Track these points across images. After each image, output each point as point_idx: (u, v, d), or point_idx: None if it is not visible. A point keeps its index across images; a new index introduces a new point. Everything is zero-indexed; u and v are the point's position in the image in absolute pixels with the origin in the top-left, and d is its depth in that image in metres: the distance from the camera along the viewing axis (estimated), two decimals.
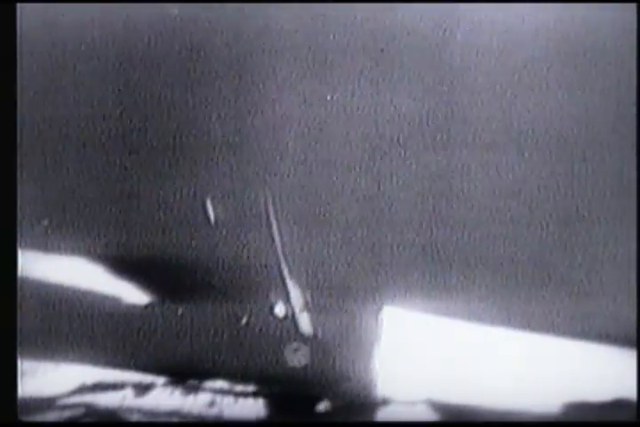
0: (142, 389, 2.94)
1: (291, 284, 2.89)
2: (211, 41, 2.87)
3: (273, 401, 2.90)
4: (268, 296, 2.91)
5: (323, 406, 2.87)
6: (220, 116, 2.88)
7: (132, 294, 2.97)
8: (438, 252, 2.86)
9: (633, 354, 2.76)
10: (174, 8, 2.86)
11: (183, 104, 2.89)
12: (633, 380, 2.73)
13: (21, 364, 2.90)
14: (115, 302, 2.96)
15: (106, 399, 2.93)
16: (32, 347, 2.92)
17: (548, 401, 2.80)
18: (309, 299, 2.89)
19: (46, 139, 2.91)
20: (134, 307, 2.96)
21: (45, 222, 2.93)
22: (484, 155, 2.83)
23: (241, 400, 2.91)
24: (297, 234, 2.88)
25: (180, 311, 2.94)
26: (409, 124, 2.84)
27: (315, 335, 2.89)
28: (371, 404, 2.87)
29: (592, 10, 2.75)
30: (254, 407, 2.90)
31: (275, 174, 2.88)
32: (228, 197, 2.90)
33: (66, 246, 2.94)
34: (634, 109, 2.75)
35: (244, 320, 2.91)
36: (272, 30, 2.85)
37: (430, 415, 2.82)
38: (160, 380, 2.96)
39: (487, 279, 2.85)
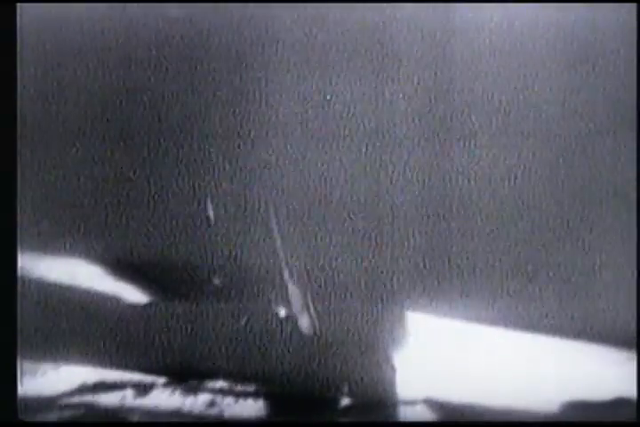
0: (142, 389, 2.95)
1: (291, 284, 2.89)
2: (211, 41, 2.87)
3: (273, 401, 2.90)
4: (268, 296, 2.91)
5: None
6: (221, 116, 2.89)
7: (132, 294, 2.97)
8: (439, 252, 2.86)
9: (633, 354, 2.76)
10: (174, 8, 2.86)
11: (183, 104, 2.89)
12: (633, 380, 2.73)
13: (21, 364, 2.90)
14: (114, 302, 2.96)
15: (106, 399, 2.93)
16: (32, 347, 2.92)
17: (548, 401, 2.80)
18: (309, 299, 2.90)
19: (46, 139, 2.91)
20: (134, 307, 2.96)
21: (45, 223, 2.93)
22: (484, 155, 2.83)
23: (241, 400, 2.91)
24: (297, 234, 2.88)
25: (179, 311, 2.94)
26: (409, 123, 2.84)
27: (315, 335, 2.89)
28: (371, 403, 2.87)
29: (592, 10, 2.75)
30: (254, 407, 2.90)
31: (275, 174, 2.88)
32: (228, 197, 2.90)
33: (65, 247, 2.94)
34: (634, 109, 2.75)
35: (244, 320, 2.91)
36: (272, 30, 2.85)
37: (430, 415, 2.82)
38: (160, 380, 2.96)
39: (486, 279, 2.85)
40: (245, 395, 2.92)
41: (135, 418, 2.86)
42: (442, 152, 2.83)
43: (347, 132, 2.86)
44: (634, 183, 2.77)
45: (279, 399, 2.90)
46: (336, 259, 2.88)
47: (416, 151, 2.84)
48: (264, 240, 2.89)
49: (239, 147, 2.89)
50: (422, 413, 2.83)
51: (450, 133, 2.83)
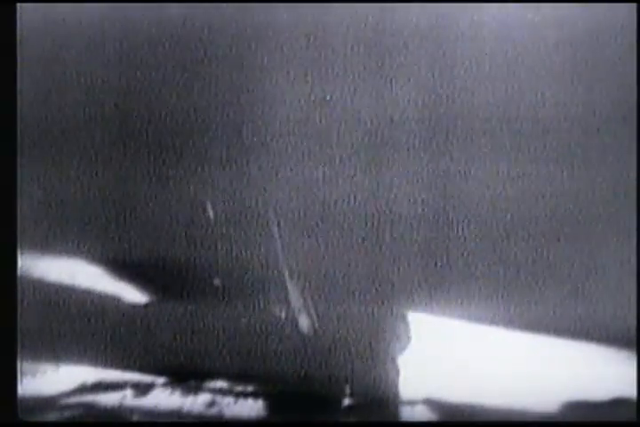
0: (142, 389, 2.95)
1: (290, 284, 2.89)
2: (211, 41, 2.87)
3: (273, 401, 2.91)
4: (268, 296, 2.91)
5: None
6: (221, 116, 2.89)
7: (132, 294, 2.97)
8: (438, 252, 2.86)
9: (633, 354, 2.77)
10: (174, 8, 2.86)
11: (183, 104, 2.89)
12: (633, 380, 2.74)
13: (21, 364, 2.90)
14: (114, 302, 2.97)
15: (106, 399, 2.93)
16: (32, 347, 2.92)
17: (548, 401, 2.80)
18: (309, 299, 2.90)
19: (46, 139, 2.91)
20: (134, 307, 2.97)
21: (45, 223, 2.93)
22: (484, 155, 2.83)
23: (241, 400, 2.91)
24: (297, 234, 2.88)
25: (179, 311, 2.94)
26: (409, 123, 2.84)
27: (314, 335, 2.90)
28: (371, 404, 2.87)
29: (592, 10, 2.75)
30: (254, 407, 2.90)
31: (275, 175, 2.88)
32: (228, 198, 2.90)
33: (66, 247, 2.94)
34: (634, 110, 2.75)
35: (244, 320, 2.91)
36: (272, 30, 2.85)
37: (430, 415, 2.83)
38: (160, 380, 2.96)
39: (486, 279, 2.85)
40: (245, 395, 2.92)
41: (135, 418, 2.86)
42: (442, 153, 2.84)
43: (347, 132, 2.86)
44: (634, 183, 2.77)
45: (279, 399, 2.91)
46: (336, 259, 2.89)
47: (417, 151, 2.84)
48: (264, 240, 2.89)
49: (239, 147, 2.89)
50: (422, 413, 2.83)
51: (450, 134, 2.83)
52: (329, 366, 2.88)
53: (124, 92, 2.90)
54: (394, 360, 2.88)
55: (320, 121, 2.86)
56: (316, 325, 2.89)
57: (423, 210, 2.85)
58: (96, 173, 2.93)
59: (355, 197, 2.87)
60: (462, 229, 2.84)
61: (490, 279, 2.85)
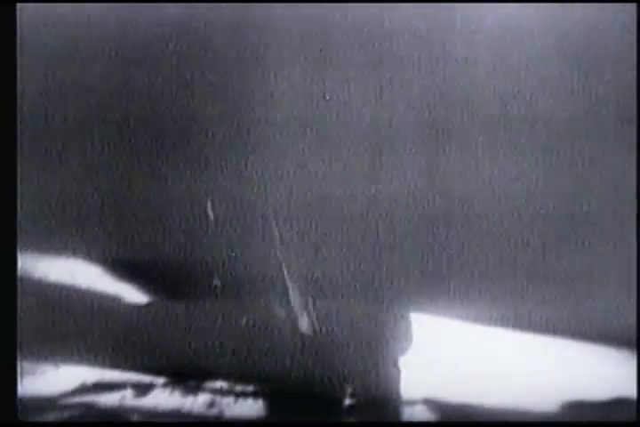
0: (142, 389, 2.95)
1: (290, 284, 2.89)
2: (210, 41, 2.87)
3: (273, 401, 2.90)
4: (268, 296, 2.91)
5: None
6: (220, 116, 2.89)
7: (132, 294, 2.97)
8: (437, 252, 2.86)
9: (633, 354, 2.77)
10: (174, 8, 2.86)
11: (183, 104, 2.89)
12: (633, 380, 2.74)
13: (21, 364, 2.90)
14: (115, 301, 2.96)
15: (105, 399, 2.93)
16: (32, 347, 2.92)
17: (548, 401, 2.80)
18: (309, 299, 2.90)
19: (46, 139, 2.91)
20: (134, 307, 2.96)
21: (45, 223, 2.93)
22: (484, 154, 2.83)
23: (241, 400, 2.91)
24: (297, 234, 2.88)
25: (180, 311, 2.94)
26: (409, 123, 2.84)
27: (314, 335, 2.90)
28: (370, 404, 2.87)
29: (592, 10, 2.75)
30: (254, 407, 2.90)
31: (275, 174, 2.88)
32: (228, 198, 2.90)
33: (66, 247, 2.94)
34: (634, 109, 2.76)
35: (244, 320, 2.91)
36: (272, 30, 2.85)
37: (430, 415, 2.83)
38: (160, 380, 2.96)
39: (486, 279, 2.85)
40: (245, 395, 2.92)
41: (135, 418, 2.86)
42: (441, 153, 2.84)
43: (346, 131, 2.86)
44: (634, 183, 2.77)
45: (279, 399, 2.90)
46: (336, 259, 2.89)
47: (416, 151, 2.84)
48: (264, 240, 2.89)
49: (239, 147, 2.89)
50: (422, 413, 2.83)
51: (449, 134, 2.83)
52: (329, 366, 2.88)
53: (124, 92, 2.90)
54: (394, 360, 2.88)
55: (320, 120, 2.86)
56: (316, 325, 2.89)
57: (423, 210, 2.85)
58: (96, 173, 2.93)
59: (355, 198, 2.87)
60: (462, 229, 2.84)
61: (490, 279, 2.85)
